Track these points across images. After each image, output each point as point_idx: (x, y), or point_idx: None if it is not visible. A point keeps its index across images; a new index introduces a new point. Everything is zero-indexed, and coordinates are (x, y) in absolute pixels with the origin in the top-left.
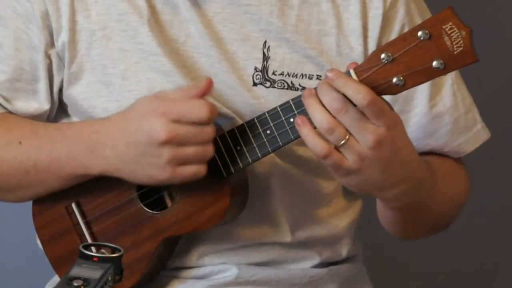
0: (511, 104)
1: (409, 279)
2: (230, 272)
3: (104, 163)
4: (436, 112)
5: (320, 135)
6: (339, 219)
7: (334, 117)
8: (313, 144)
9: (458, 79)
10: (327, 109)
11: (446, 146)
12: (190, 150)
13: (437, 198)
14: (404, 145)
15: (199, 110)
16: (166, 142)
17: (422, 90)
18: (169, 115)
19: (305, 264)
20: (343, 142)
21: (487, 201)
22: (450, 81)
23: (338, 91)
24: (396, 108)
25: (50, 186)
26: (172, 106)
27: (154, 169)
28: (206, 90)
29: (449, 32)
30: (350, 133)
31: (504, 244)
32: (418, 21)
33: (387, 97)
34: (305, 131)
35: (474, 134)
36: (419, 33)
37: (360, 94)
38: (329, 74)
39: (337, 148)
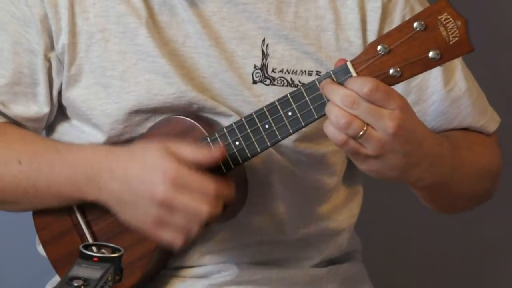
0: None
1: (409, 279)
2: (231, 271)
3: (98, 193)
4: (454, 97)
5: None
6: (338, 213)
7: (349, 112)
8: (332, 132)
9: (464, 65)
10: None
11: (470, 128)
12: (175, 220)
13: (465, 169)
14: (417, 123)
15: (205, 189)
16: (159, 203)
17: (435, 77)
18: (175, 182)
19: (306, 263)
20: (361, 133)
21: (488, 201)
22: (459, 66)
23: (344, 87)
24: (410, 99)
25: (48, 204)
26: (183, 176)
27: (138, 218)
28: (218, 159)
29: (444, 22)
30: (367, 124)
31: (506, 245)
32: (419, 10)
33: (399, 90)
34: (326, 124)
35: (490, 116)
36: (415, 24)
37: (360, 84)
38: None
39: (356, 139)
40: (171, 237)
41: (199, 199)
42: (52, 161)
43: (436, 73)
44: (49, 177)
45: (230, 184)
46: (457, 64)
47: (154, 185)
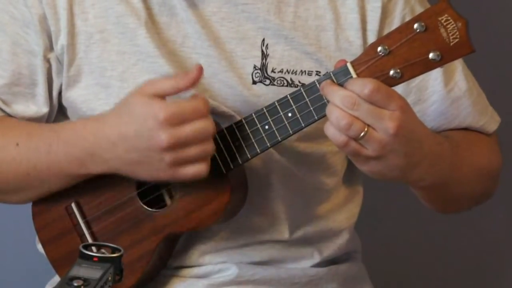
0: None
1: (409, 279)
2: (230, 271)
3: (105, 165)
4: (454, 97)
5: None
6: (338, 213)
7: (349, 113)
8: (333, 133)
9: (464, 65)
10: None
11: (470, 128)
12: (191, 151)
13: (465, 169)
14: (417, 123)
15: (199, 108)
16: (167, 149)
17: (435, 78)
18: (171, 121)
19: (305, 263)
20: (362, 134)
21: (488, 201)
22: (460, 66)
23: (344, 88)
24: (410, 100)
25: (52, 185)
26: (174, 111)
27: (156, 170)
28: (197, 78)
29: (445, 23)
30: (367, 125)
31: (506, 245)
32: (420, 10)
33: (399, 90)
34: (327, 125)
35: (490, 116)
36: (415, 25)
37: (360, 85)
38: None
39: (357, 141)
40: (195, 169)
41: (198, 120)
42: (48, 141)
43: (436, 73)
44: (48, 157)
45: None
46: (458, 65)
47: (153, 135)
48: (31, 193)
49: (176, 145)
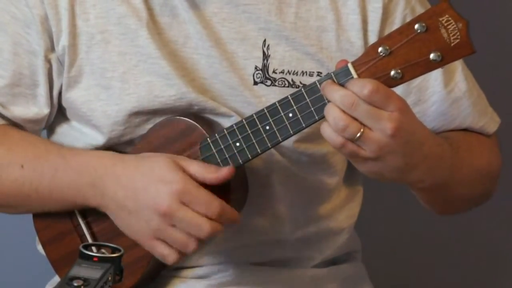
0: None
1: (409, 279)
2: (231, 271)
3: (100, 200)
4: (454, 97)
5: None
6: (339, 213)
7: (347, 114)
8: (330, 135)
9: (464, 66)
10: (339, 108)
11: (470, 129)
12: (174, 235)
13: (464, 170)
14: (417, 125)
15: (212, 207)
16: (161, 215)
17: (435, 78)
18: (181, 197)
19: (306, 264)
20: (358, 135)
21: (488, 201)
22: (460, 67)
23: (345, 88)
24: (410, 100)
25: (51, 208)
26: (189, 191)
27: (137, 228)
28: (225, 179)
29: (445, 24)
30: (364, 125)
31: (506, 245)
32: (421, 11)
33: (399, 91)
34: (324, 126)
35: (490, 117)
36: (416, 26)
37: (360, 86)
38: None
39: (353, 142)
40: (166, 251)
41: (203, 216)
42: (55, 166)
43: (436, 74)
44: (52, 182)
45: (234, 210)
46: (458, 65)
47: (159, 196)
48: (29, 210)
49: (169, 218)
